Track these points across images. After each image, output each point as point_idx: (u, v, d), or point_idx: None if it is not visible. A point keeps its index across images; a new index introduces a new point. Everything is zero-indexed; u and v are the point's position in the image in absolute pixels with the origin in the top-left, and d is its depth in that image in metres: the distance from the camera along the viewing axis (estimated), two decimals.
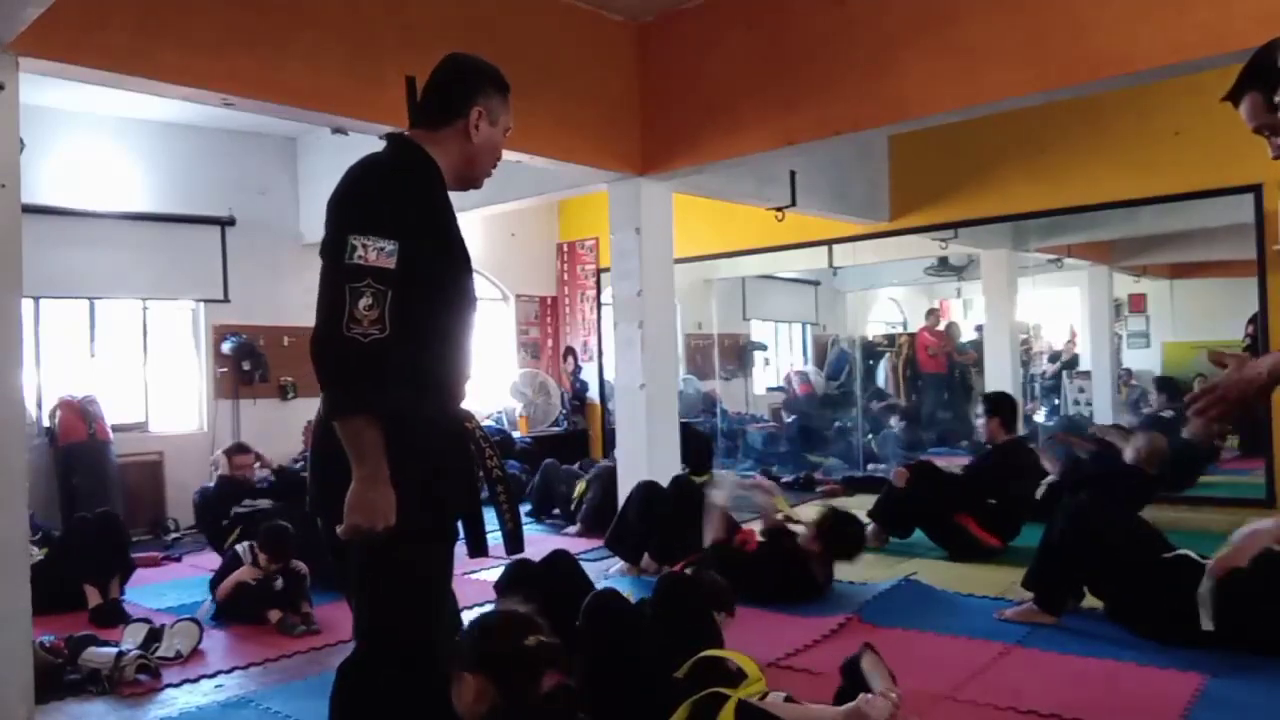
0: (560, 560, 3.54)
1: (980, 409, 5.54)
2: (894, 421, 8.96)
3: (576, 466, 7.23)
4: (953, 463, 6.86)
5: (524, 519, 2.27)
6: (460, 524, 1.97)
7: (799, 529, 4.41)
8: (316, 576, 4.24)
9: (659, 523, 4.64)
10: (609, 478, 5.78)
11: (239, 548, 4.30)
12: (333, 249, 1.78)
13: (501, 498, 2.03)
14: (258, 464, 5.74)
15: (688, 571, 3.59)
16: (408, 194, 1.87)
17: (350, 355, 1.73)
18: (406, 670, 1.88)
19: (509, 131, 2.09)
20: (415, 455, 1.82)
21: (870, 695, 2.35)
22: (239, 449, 5.70)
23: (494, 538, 1.96)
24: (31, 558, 4.20)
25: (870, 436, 8.93)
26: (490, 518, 1.98)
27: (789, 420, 9.44)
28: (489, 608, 3.67)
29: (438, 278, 1.88)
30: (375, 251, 1.75)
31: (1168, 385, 7.64)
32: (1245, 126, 1.89)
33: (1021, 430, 8.03)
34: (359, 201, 1.83)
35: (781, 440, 9.13)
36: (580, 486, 6.36)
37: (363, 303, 1.73)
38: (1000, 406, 5.42)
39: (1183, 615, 3.29)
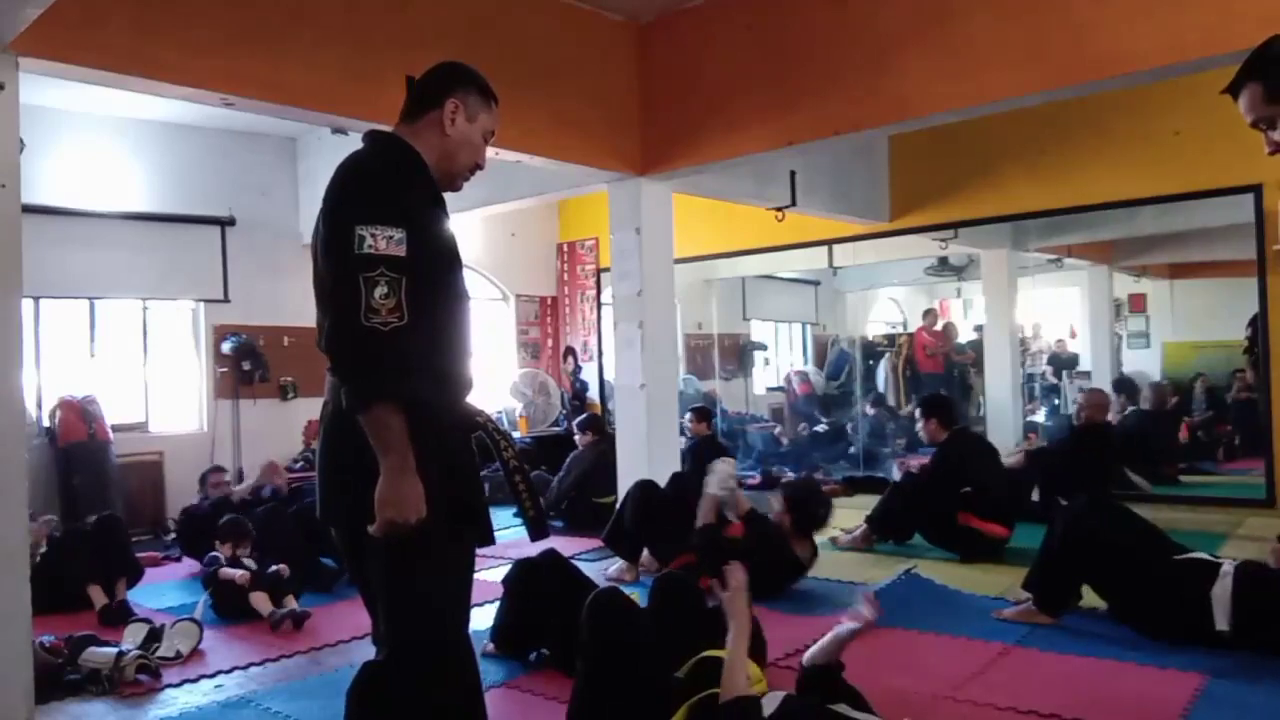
0: (557, 560, 3.55)
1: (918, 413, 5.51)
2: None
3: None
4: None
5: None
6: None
7: (772, 509, 4.44)
8: (305, 575, 4.41)
9: (656, 522, 4.64)
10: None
11: (216, 552, 4.40)
12: (340, 242, 1.75)
13: (521, 487, 2.03)
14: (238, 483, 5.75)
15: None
16: (402, 185, 1.87)
17: (372, 345, 1.71)
18: (435, 671, 1.86)
19: (491, 136, 2.08)
20: (436, 447, 1.81)
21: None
22: (215, 469, 5.67)
23: (517, 532, 1.96)
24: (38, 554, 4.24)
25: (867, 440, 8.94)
26: (497, 513, 1.98)
27: (801, 428, 9.44)
28: (490, 608, 3.68)
29: (434, 270, 1.86)
30: (385, 240, 1.74)
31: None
32: (1245, 127, 1.89)
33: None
34: (359, 194, 1.81)
35: (784, 442, 9.15)
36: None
37: (378, 292, 1.71)
38: (933, 408, 5.37)
39: (1195, 616, 3.28)
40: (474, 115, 2.02)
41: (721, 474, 4.43)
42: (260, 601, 4.09)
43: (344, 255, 1.74)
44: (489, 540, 1.99)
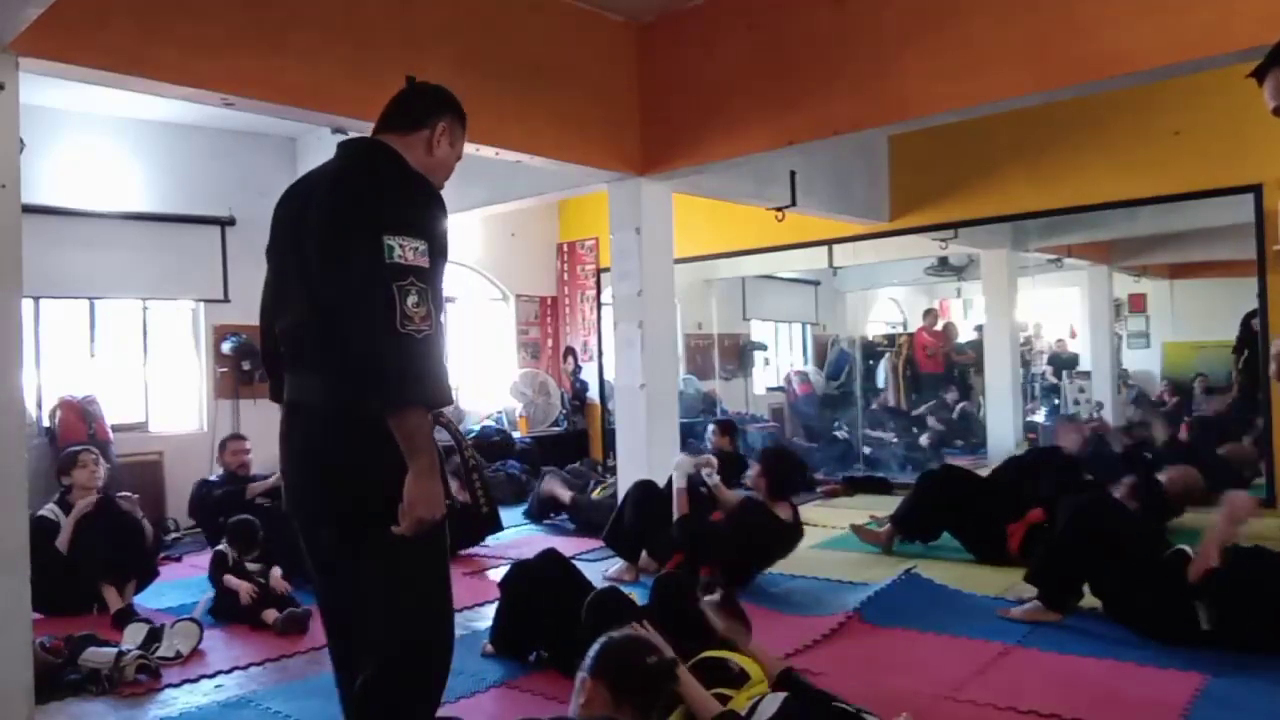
0: (555, 559, 3.55)
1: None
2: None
3: (579, 465, 7.23)
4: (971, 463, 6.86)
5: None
6: None
7: (749, 477, 4.63)
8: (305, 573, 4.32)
9: (655, 521, 4.63)
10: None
11: (223, 546, 4.34)
12: (366, 250, 1.78)
13: (477, 484, 2.10)
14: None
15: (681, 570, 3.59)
16: (417, 194, 1.92)
17: (409, 352, 1.76)
18: (427, 671, 1.90)
19: (459, 161, 2.16)
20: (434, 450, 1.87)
21: None
22: (234, 437, 5.82)
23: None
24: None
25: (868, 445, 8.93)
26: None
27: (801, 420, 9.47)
28: (490, 607, 3.68)
29: (435, 275, 1.92)
30: (412, 251, 1.80)
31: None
32: (1244, 127, 1.90)
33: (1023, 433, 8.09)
34: (382, 202, 1.85)
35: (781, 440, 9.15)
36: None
37: (410, 300, 1.77)
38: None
39: (1182, 614, 3.29)
40: (455, 141, 2.10)
41: (682, 465, 4.61)
42: (269, 617, 4.01)
43: (374, 262, 1.77)
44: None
